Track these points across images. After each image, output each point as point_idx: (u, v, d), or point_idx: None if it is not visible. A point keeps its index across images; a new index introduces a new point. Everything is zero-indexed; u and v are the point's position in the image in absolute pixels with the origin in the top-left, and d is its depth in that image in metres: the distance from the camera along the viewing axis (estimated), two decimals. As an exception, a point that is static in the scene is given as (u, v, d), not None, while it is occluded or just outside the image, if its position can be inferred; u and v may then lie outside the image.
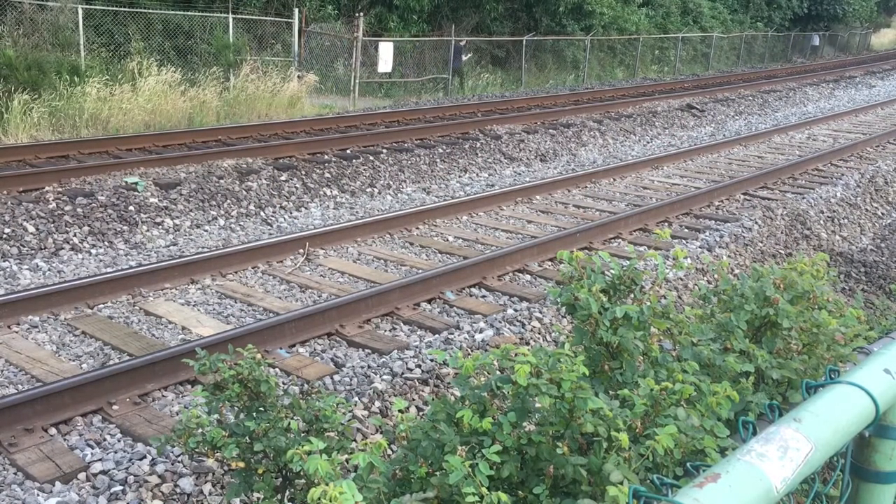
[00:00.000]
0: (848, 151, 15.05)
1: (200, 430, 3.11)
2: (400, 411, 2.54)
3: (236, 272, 7.55)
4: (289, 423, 3.04)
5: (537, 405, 2.33)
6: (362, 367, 5.56)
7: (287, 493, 3.15)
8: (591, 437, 2.23)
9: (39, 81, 13.32)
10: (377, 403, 5.10)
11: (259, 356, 3.21)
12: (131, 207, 9.00)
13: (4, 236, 7.91)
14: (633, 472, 2.12)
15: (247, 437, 3.06)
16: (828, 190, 11.86)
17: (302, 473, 2.95)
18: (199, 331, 6.13)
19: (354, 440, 4.67)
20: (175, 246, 8.49)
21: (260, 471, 3.04)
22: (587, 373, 2.35)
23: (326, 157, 11.86)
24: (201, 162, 10.75)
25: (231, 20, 17.79)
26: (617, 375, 2.76)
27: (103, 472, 4.29)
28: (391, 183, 11.62)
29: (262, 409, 3.16)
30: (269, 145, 11.96)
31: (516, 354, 2.38)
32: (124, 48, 16.33)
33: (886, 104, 23.65)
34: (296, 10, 18.88)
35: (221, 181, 10.12)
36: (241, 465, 3.08)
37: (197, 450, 3.11)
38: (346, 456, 3.40)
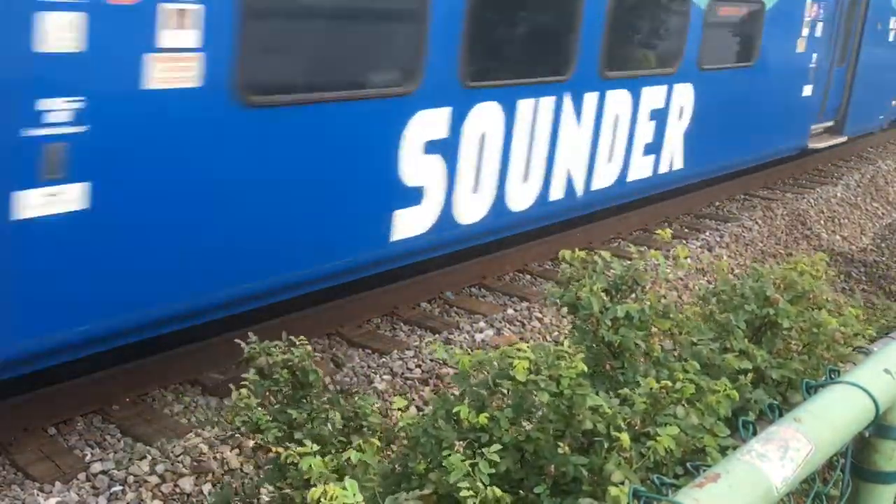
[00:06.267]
0: None
1: (246, 411, 3.09)
2: (399, 410, 2.54)
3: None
4: (330, 416, 3.03)
5: (537, 403, 2.33)
6: (362, 367, 5.56)
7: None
8: (591, 436, 2.23)
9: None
10: (377, 403, 5.10)
11: (310, 348, 3.22)
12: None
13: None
14: (634, 471, 2.12)
15: (286, 426, 3.06)
16: (828, 190, 11.85)
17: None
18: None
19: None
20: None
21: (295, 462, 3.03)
22: (586, 370, 2.35)
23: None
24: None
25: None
26: (619, 375, 2.76)
27: (103, 472, 4.28)
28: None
29: (304, 399, 3.16)
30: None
31: (516, 352, 2.38)
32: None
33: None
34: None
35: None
36: (280, 451, 3.08)
37: (241, 429, 3.11)
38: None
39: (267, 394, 3.20)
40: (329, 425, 3.03)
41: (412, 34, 5.52)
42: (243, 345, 3.24)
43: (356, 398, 3.20)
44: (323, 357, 5.85)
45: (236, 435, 3.42)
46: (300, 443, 2.94)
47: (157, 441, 4.49)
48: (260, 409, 3.08)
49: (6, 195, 3.74)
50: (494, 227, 6.79)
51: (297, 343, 3.22)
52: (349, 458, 2.33)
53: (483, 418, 2.24)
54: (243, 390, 3.11)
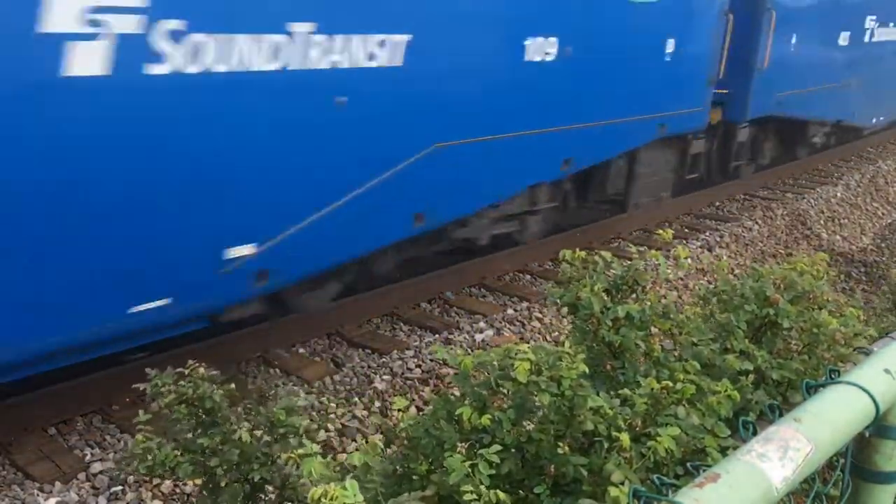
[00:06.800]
0: None
1: (153, 454, 2.99)
2: (400, 410, 2.54)
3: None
4: (240, 436, 2.94)
5: (538, 403, 2.33)
6: (362, 367, 5.56)
7: (258, 502, 3.05)
8: (591, 436, 2.23)
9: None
10: (377, 403, 5.10)
11: (202, 370, 3.08)
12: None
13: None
14: (634, 472, 2.12)
15: (199, 456, 2.97)
16: (828, 190, 11.84)
17: (269, 479, 2.91)
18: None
19: (354, 440, 4.68)
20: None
21: (223, 483, 2.96)
22: (587, 371, 2.35)
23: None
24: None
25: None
26: (619, 375, 2.76)
27: (103, 472, 4.28)
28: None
29: (216, 422, 3.06)
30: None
31: (517, 353, 2.38)
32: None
33: None
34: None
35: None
36: (198, 481, 3.00)
37: (154, 473, 3.02)
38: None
39: (175, 428, 3.08)
40: (243, 445, 2.93)
41: None
42: (142, 387, 3.11)
43: (274, 406, 3.05)
44: (323, 357, 5.86)
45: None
46: (214, 471, 2.88)
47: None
48: (168, 446, 2.97)
49: None
50: None
51: (188, 371, 3.06)
52: (351, 459, 2.32)
53: (486, 419, 2.24)
54: (139, 436, 2.98)
